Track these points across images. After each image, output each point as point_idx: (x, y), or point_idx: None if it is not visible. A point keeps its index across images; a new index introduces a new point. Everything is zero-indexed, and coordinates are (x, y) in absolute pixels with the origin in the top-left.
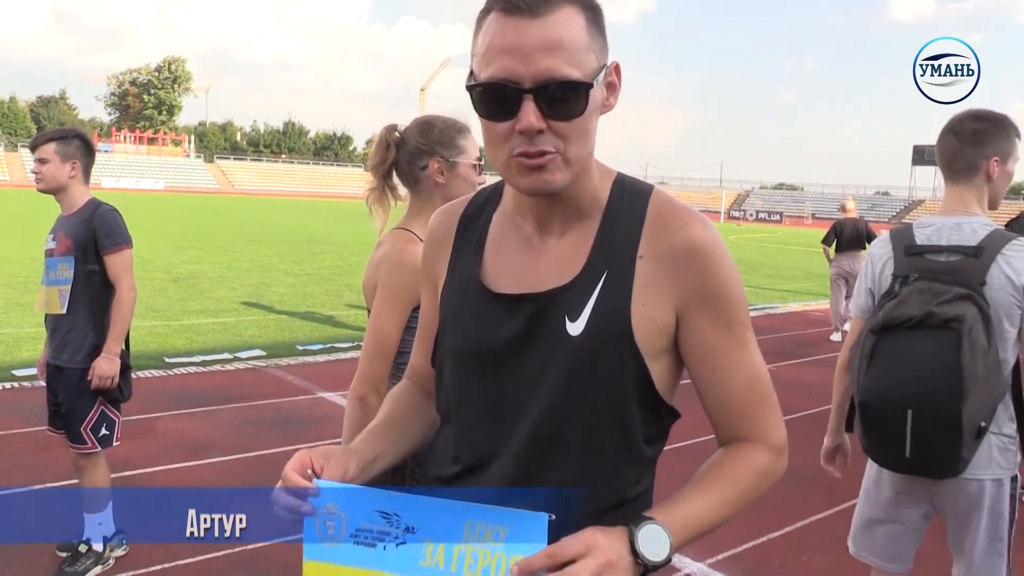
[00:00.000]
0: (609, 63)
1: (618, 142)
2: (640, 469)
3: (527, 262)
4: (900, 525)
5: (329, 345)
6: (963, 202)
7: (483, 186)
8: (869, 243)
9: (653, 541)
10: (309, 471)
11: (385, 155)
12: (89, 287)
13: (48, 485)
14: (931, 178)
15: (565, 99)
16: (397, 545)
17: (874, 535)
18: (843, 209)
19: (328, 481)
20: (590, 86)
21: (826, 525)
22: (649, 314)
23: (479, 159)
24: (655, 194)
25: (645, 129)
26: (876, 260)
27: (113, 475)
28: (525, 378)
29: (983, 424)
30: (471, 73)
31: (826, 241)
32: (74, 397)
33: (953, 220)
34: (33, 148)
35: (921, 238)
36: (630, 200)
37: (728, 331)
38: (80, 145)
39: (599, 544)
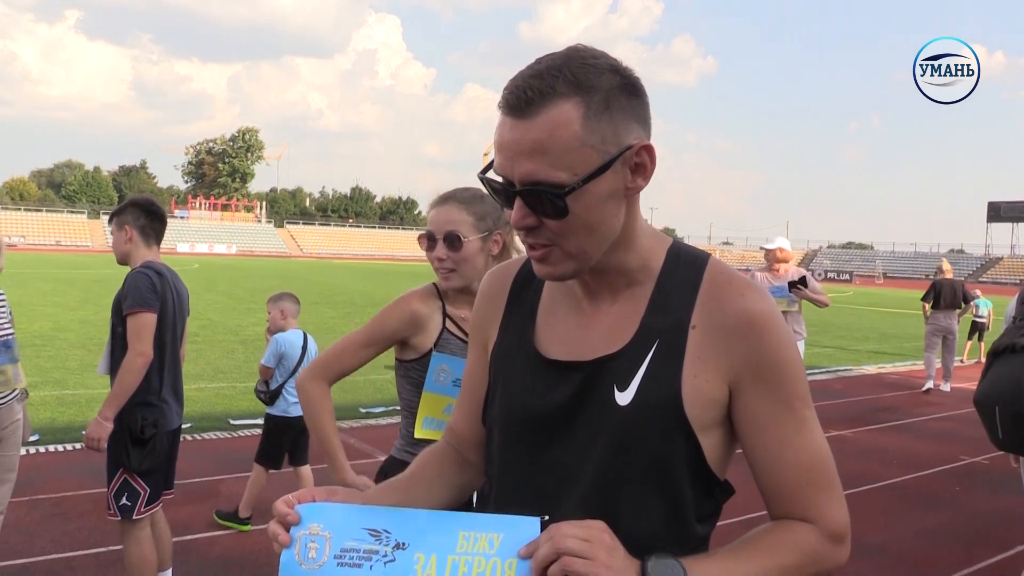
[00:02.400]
0: (634, 145)
1: (681, 204)
2: (691, 548)
3: (577, 328)
4: None
5: (391, 408)
6: None
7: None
8: (966, 303)
9: (666, 574)
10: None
11: None
12: (123, 349)
13: (112, 548)
14: (1008, 235)
15: (547, 202)
16: (386, 564)
17: None
18: (940, 271)
19: (309, 504)
20: (572, 189)
21: None
22: (701, 386)
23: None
24: (711, 263)
25: (708, 190)
26: (1010, 308)
27: (173, 539)
28: (571, 448)
29: None
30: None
31: (925, 299)
32: (106, 460)
33: None
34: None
35: None
36: (685, 269)
37: (785, 407)
38: (134, 211)
39: (605, 540)
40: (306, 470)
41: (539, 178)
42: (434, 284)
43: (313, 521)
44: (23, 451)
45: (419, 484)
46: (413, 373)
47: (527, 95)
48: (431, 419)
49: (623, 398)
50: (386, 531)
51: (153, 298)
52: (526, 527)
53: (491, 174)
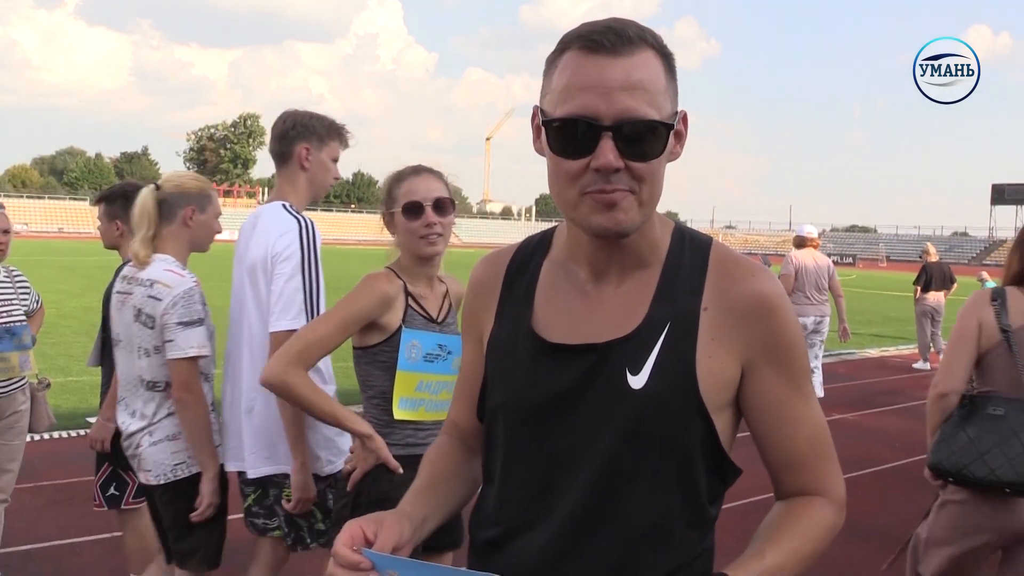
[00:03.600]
0: (678, 111)
1: (684, 187)
2: (703, 530)
3: (582, 311)
4: None
5: None
6: None
7: (531, 234)
8: (952, 283)
9: None
10: (357, 544)
11: None
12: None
13: (115, 534)
14: (1012, 217)
15: (643, 139)
16: None
17: None
18: (927, 253)
19: (379, 553)
20: (670, 127)
21: None
22: (715, 367)
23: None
24: (715, 246)
25: (711, 174)
26: None
27: None
28: (581, 433)
29: None
30: (541, 111)
31: (917, 282)
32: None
33: None
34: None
35: None
36: (691, 251)
37: (794, 384)
38: (124, 205)
39: None
40: None
41: (640, 114)
42: (389, 267)
43: (389, 568)
44: (28, 438)
45: (441, 485)
46: (382, 356)
47: (628, 35)
48: (406, 399)
49: (636, 381)
50: None
51: None
52: None
53: (560, 114)
